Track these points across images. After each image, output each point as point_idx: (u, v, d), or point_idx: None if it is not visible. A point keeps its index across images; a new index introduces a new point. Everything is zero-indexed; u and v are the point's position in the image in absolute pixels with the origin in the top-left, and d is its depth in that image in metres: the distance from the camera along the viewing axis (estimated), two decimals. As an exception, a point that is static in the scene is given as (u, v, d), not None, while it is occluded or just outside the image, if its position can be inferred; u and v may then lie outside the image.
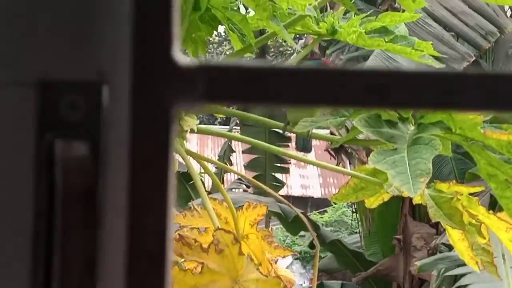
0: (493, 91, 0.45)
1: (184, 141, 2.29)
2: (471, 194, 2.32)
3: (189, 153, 2.36)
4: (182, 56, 0.44)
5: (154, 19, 0.44)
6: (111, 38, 0.47)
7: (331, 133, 5.61)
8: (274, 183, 9.02)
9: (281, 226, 8.06)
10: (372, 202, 2.46)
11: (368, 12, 2.62)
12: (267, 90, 0.45)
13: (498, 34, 6.15)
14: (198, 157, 2.59)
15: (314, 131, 2.30)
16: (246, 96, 0.45)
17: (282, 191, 10.40)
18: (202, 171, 3.54)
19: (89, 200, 0.46)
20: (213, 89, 0.45)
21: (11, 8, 0.48)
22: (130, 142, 0.45)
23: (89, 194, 0.46)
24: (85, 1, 0.47)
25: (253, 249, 2.62)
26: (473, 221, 2.29)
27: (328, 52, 8.26)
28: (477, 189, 2.49)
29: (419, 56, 2.51)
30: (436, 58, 2.66)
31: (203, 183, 2.69)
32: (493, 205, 6.08)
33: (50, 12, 0.48)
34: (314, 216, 12.91)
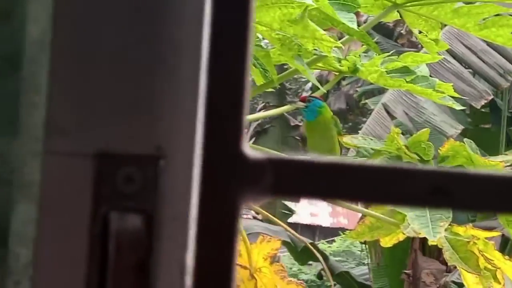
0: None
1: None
2: (486, 238, 2.31)
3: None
4: (250, 149, 0.44)
5: (225, 115, 0.44)
6: (171, 116, 0.47)
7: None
8: (283, 211, 9.00)
9: (288, 253, 8.06)
10: (388, 242, 2.45)
11: (391, 52, 2.63)
12: (332, 185, 0.45)
13: (516, 73, 6.14)
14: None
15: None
16: (312, 190, 0.45)
17: (291, 219, 10.37)
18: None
19: (141, 273, 0.46)
20: (279, 182, 0.45)
21: (75, 79, 0.48)
22: (197, 225, 0.45)
23: (142, 268, 0.46)
24: (148, 77, 0.47)
25: (266, 284, 2.62)
26: (489, 266, 2.28)
27: (344, 83, 8.28)
28: (494, 233, 2.47)
29: (440, 97, 2.51)
30: (455, 98, 2.66)
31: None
32: (504, 245, 6.05)
33: (112, 85, 0.48)
34: (322, 245, 12.86)
